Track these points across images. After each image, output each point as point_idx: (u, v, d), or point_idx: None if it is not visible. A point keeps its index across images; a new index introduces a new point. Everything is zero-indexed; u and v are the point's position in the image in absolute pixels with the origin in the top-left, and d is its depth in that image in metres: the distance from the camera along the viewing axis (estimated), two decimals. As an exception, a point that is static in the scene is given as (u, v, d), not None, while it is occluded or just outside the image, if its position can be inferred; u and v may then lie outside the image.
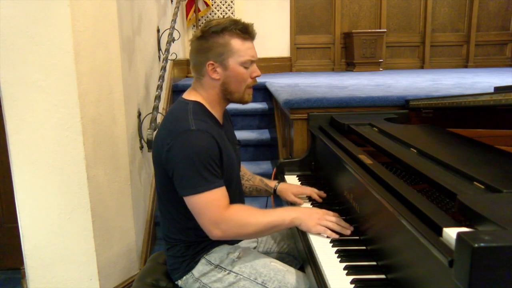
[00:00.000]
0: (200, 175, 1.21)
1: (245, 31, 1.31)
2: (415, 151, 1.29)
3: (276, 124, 3.19)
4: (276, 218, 1.29)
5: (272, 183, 1.66)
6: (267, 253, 1.56)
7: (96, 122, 1.95)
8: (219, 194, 1.25)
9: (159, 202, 1.43)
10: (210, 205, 1.23)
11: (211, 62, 1.31)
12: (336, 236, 1.26)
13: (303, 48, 5.08)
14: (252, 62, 1.34)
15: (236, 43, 1.30)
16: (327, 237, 1.28)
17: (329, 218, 1.31)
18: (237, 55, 1.31)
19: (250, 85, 1.37)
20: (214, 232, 1.25)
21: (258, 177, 1.69)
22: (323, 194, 1.59)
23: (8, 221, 2.66)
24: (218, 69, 1.32)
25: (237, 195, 1.45)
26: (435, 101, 1.82)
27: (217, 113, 1.39)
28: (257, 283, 1.31)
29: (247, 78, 1.35)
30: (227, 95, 1.36)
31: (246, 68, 1.33)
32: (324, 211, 1.35)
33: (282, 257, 1.58)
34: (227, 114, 1.53)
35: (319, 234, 1.29)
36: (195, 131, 1.24)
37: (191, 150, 1.22)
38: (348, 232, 1.28)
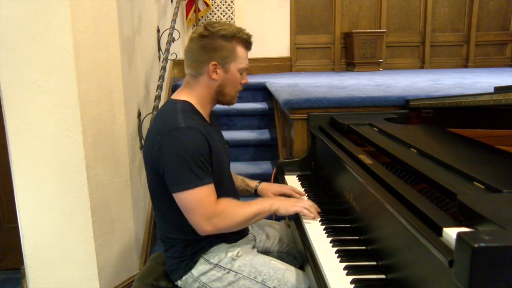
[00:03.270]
0: (191, 171, 1.23)
1: (249, 41, 1.40)
2: (415, 151, 1.29)
3: (276, 124, 3.19)
4: (259, 207, 1.36)
5: (253, 183, 1.69)
6: (266, 253, 1.56)
7: (96, 122, 1.95)
8: (210, 190, 1.28)
9: (153, 203, 1.44)
10: (202, 201, 1.25)
11: (215, 62, 1.34)
12: (312, 215, 1.41)
13: (303, 48, 5.08)
14: (246, 69, 1.43)
15: (240, 50, 1.38)
16: (326, 234, 1.29)
17: (303, 202, 1.45)
18: (238, 62, 1.38)
19: (240, 90, 1.46)
20: (205, 228, 1.27)
21: (240, 177, 1.72)
22: (302, 193, 1.65)
23: (8, 221, 2.65)
24: (219, 71, 1.36)
25: (230, 192, 1.46)
26: (435, 101, 1.82)
27: (205, 113, 1.42)
28: (257, 281, 1.32)
29: (238, 83, 1.43)
30: (219, 97, 1.42)
31: (241, 74, 1.41)
32: (297, 199, 1.54)
33: (281, 256, 1.59)
34: (214, 115, 1.56)
35: (318, 234, 1.30)
36: (184, 128, 1.26)
37: (181, 147, 1.24)
38: (318, 217, 1.42)
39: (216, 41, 1.34)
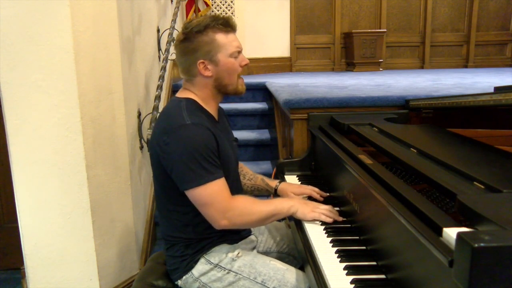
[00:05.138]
0: (202, 167, 1.23)
1: (227, 25, 1.35)
2: (415, 151, 1.29)
3: (276, 124, 3.18)
4: (276, 207, 1.35)
5: (273, 183, 1.67)
6: (266, 253, 1.56)
7: (96, 122, 1.95)
8: (222, 184, 1.28)
9: (158, 201, 1.44)
10: (216, 195, 1.25)
11: (201, 60, 1.33)
12: (330, 221, 1.35)
13: (303, 48, 5.07)
14: (239, 52, 1.38)
15: (221, 37, 1.34)
16: (326, 235, 1.28)
17: (322, 206, 1.40)
18: (224, 49, 1.34)
19: (241, 74, 1.42)
20: (221, 222, 1.27)
21: (260, 177, 1.70)
22: (324, 194, 1.60)
23: (8, 221, 2.65)
24: (209, 66, 1.35)
25: (234, 191, 1.45)
26: (435, 101, 1.81)
27: (211, 109, 1.41)
28: (257, 282, 1.32)
29: (237, 68, 1.39)
30: (221, 89, 1.40)
31: (235, 58, 1.37)
32: (316, 203, 1.44)
33: (282, 257, 1.58)
34: (222, 112, 1.55)
35: (318, 234, 1.30)
36: (190, 125, 1.26)
37: (189, 144, 1.24)
38: (340, 219, 1.37)
39: (194, 40, 1.32)
